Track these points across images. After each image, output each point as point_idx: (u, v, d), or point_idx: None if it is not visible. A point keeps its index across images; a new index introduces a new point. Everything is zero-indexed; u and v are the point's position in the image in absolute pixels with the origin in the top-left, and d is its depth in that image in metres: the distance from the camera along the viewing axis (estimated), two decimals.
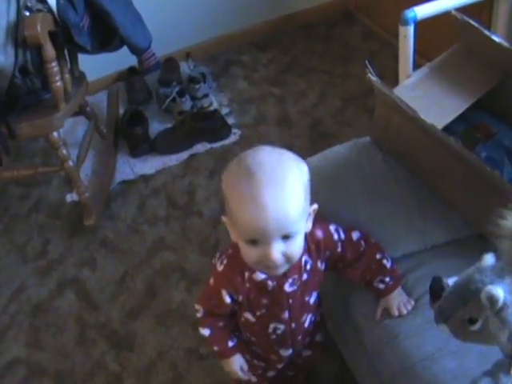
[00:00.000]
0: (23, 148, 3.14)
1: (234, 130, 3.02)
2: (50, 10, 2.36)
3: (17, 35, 2.19)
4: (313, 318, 1.55)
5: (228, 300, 1.43)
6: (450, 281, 1.07)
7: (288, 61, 3.45)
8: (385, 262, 1.48)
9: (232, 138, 2.99)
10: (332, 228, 1.44)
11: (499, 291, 0.97)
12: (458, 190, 1.51)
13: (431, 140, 1.46)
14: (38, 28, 2.15)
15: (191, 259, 2.48)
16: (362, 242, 1.47)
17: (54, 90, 2.32)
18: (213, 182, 2.77)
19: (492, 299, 0.97)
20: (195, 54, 3.44)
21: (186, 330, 2.23)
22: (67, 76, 2.44)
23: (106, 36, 2.53)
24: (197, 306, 1.53)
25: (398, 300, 1.48)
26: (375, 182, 1.61)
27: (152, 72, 3.33)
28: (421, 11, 1.94)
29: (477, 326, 1.01)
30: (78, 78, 2.63)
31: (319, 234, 1.41)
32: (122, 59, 3.11)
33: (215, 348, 1.58)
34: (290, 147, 2.79)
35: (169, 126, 3.07)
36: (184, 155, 2.94)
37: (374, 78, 1.53)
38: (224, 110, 3.14)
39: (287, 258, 1.24)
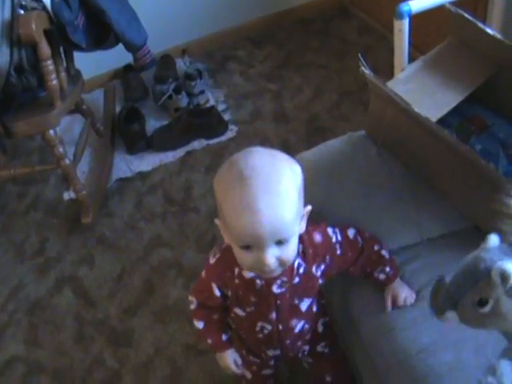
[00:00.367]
0: (20, 146, 3.14)
1: (231, 126, 3.02)
2: (44, 7, 2.36)
3: (12, 34, 2.18)
4: (307, 326, 1.53)
5: (218, 293, 1.44)
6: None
7: (284, 56, 3.45)
8: (383, 252, 1.48)
9: (229, 134, 2.99)
10: (330, 231, 1.42)
11: (511, 267, 0.96)
12: (452, 182, 1.50)
13: (425, 133, 1.46)
14: (33, 26, 2.14)
15: (188, 255, 2.48)
16: (359, 238, 1.46)
17: (50, 88, 2.32)
18: (209, 179, 2.77)
19: (504, 275, 0.96)
20: (191, 51, 3.44)
21: (183, 326, 2.24)
22: (63, 74, 2.44)
23: (101, 34, 2.52)
24: (190, 298, 1.54)
25: (401, 289, 1.48)
26: (370, 176, 1.61)
27: (148, 69, 3.33)
28: (415, 5, 1.93)
29: (488, 308, 1.00)
30: (74, 75, 2.63)
31: (318, 237, 1.39)
32: (117, 57, 3.10)
33: (209, 341, 1.58)
34: (286, 142, 2.86)
35: (165, 122, 3.06)
36: (181, 152, 2.95)
37: (367, 71, 1.53)
38: (220, 106, 3.14)
39: (281, 262, 1.23)
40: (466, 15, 1.67)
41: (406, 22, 1.98)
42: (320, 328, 1.62)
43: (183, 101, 3.08)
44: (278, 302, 1.41)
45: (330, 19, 3.65)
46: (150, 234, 2.60)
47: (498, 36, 1.60)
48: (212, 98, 3.19)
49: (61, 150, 2.45)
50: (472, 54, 1.71)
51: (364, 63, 1.52)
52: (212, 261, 1.43)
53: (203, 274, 1.47)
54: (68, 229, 2.70)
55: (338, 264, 1.44)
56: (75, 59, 2.64)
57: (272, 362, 1.68)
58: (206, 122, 2.94)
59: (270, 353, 1.58)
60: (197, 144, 2.97)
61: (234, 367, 1.62)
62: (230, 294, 1.43)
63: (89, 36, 2.45)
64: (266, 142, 2.89)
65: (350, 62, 3.27)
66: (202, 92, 3.14)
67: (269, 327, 1.47)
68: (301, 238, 1.33)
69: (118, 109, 3.22)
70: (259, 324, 1.47)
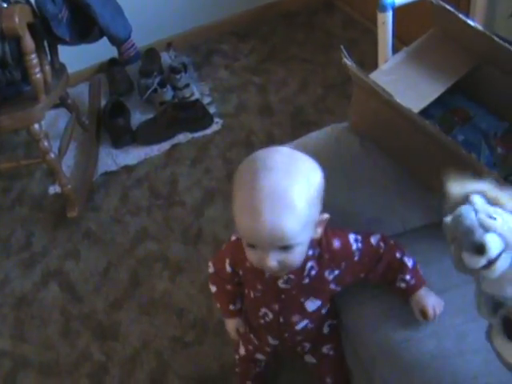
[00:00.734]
0: (5, 141, 3.13)
1: (216, 120, 3.02)
2: (27, 1, 2.36)
3: None
4: (311, 326, 1.53)
5: (229, 269, 1.49)
6: None
7: (269, 49, 3.45)
8: (405, 260, 1.44)
9: (214, 128, 2.99)
10: (351, 238, 1.41)
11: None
12: (435, 173, 1.51)
13: (408, 123, 1.47)
14: (16, 19, 2.13)
15: (174, 248, 2.48)
16: (382, 244, 1.44)
17: (34, 82, 2.31)
18: (195, 172, 2.78)
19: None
20: (176, 44, 3.43)
21: (170, 318, 2.24)
22: (47, 68, 2.43)
23: (86, 27, 2.52)
24: (210, 263, 1.59)
25: (426, 299, 1.41)
26: (353, 167, 1.62)
27: (133, 63, 3.32)
28: None
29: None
30: (58, 69, 2.62)
31: (336, 244, 1.39)
32: (102, 50, 3.10)
33: (218, 305, 1.66)
34: (271, 135, 2.87)
35: (150, 116, 3.06)
36: (166, 145, 2.94)
37: (349, 62, 1.53)
38: (205, 100, 3.14)
39: (284, 265, 1.24)
40: (448, 7, 1.68)
41: (389, 14, 1.99)
42: (326, 329, 1.62)
43: (168, 94, 3.08)
44: (283, 296, 1.42)
45: (315, 12, 3.65)
46: (136, 228, 2.60)
47: (480, 28, 1.61)
48: (197, 92, 3.19)
49: (46, 144, 2.44)
50: (455, 46, 1.71)
51: (346, 55, 1.53)
52: (233, 238, 1.48)
53: (223, 247, 1.52)
54: (54, 223, 2.70)
55: (354, 270, 1.44)
56: (59, 53, 2.63)
57: (268, 349, 1.68)
58: (191, 116, 2.94)
59: (270, 340, 1.60)
60: (182, 137, 2.96)
61: (233, 334, 1.69)
62: (241, 273, 1.47)
63: (73, 29, 2.45)
64: (251, 136, 2.90)
65: (334, 56, 3.27)
66: (187, 85, 3.14)
67: (271, 315, 1.49)
68: (318, 243, 1.33)
69: (103, 103, 3.21)
70: (263, 310, 1.49)
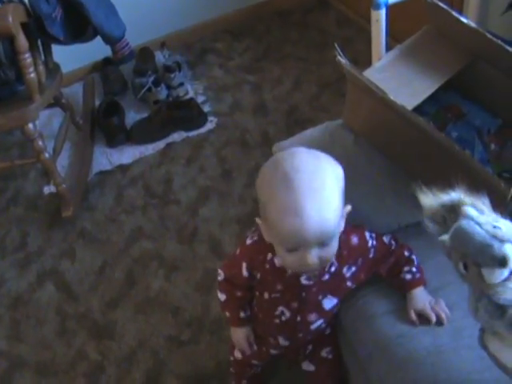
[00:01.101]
0: None
1: (210, 118, 3.02)
2: (21, 0, 2.35)
3: None
4: (323, 326, 1.55)
5: (245, 274, 1.47)
6: None
7: (263, 48, 3.45)
8: (413, 257, 1.48)
9: (208, 126, 2.99)
10: (367, 235, 1.45)
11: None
12: (429, 169, 1.52)
13: (401, 121, 1.47)
14: (10, 19, 2.13)
15: (169, 247, 2.48)
16: (393, 242, 1.49)
17: (28, 82, 2.31)
18: (189, 171, 2.78)
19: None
20: (170, 43, 3.42)
21: (165, 317, 2.25)
22: (41, 67, 2.43)
23: (79, 26, 2.51)
24: (219, 270, 1.57)
25: (426, 300, 1.43)
26: (347, 164, 1.60)
27: (127, 62, 3.32)
28: None
29: None
30: (53, 69, 2.62)
31: (355, 240, 1.42)
32: (96, 50, 3.10)
33: (227, 314, 1.62)
34: (266, 134, 2.87)
35: (145, 115, 3.06)
36: (160, 144, 2.94)
37: (343, 60, 1.54)
38: (200, 99, 3.14)
39: (323, 260, 1.26)
40: (441, 4, 1.68)
41: (382, 12, 1.99)
42: (327, 330, 1.63)
43: (162, 93, 3.08)
44: (304, 294, 1.43)
45: (309, 11, 3.65)
46: (131, 227, 2.60)
47: (473, 25, 1.62)
48: (191, 91, 3.19)
49: (40, 144, 2.44)
50: (448, 43, 1.72)
51: (340, 53, 1.53)
52: (248, 242, 1.46)
53: (237, 251, 1.50)
54: (49, 223, 2.69)
55: (368, 267, 1.46)
56: (54, 52, 2.63)
57: (274, 351, 1.68)
58: (185, 115, 2.94)
59: (280, 341, 1.59)
60: (176, 136, 2.96)
61: (244, 344, 1.64)
62: (258, 276, 1.46)
63: (67, 29, 2.44)
64: (245, 134, 2.90)
65: (329, 54, 3.26)
66: (181, 84, 3.14)
67: (288, 314, 1.49)
68: (338, 238, 1.34)
69: (97, 102, 3.21)
70: (280, 308, 1.49)
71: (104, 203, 2.73)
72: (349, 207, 1.31)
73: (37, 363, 2.21)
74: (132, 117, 3.09)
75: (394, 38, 2.15)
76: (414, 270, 1.46)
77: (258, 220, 1.32)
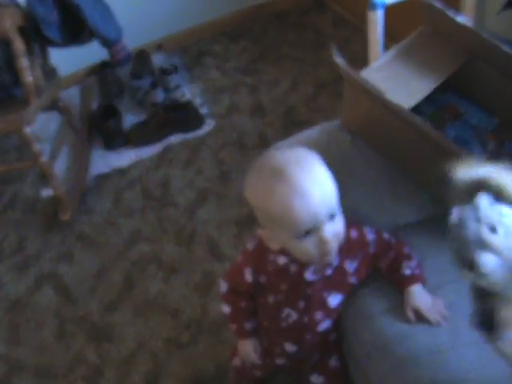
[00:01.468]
0: None
1: (208, 121, 3.03)
2: (17, 4, 2.35)
3: None
4: (329, 327, 1.54)
5: (249, 279, 1.47)
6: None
7: (260, 50, 3.45)
8: (412, 254, 1.49)
9: (205, 129, 2.99)
10: (366, 230, 1.47)
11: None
12: (426, 169, 1.52)
13: (398, 121, 1.47)
14: (6, 23, 2.14)
15: (167, 250, 2.48)
16: (392, 238, 1.49)
17: (25, 85, 2.31)
18: (187, 173, 2.78)
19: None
20: (167, 46, 3.43)
21: (164, 319, 2.24)
22: (38, 71, 2.43)
23: (76, 29, 2.51)
24: (222, 282, 1.57)
25: (424, 298, 1.42)
26: (345, 164, 1.61)
27: (124, 65, 3.31)
28: None
29: None
30: (50, 72, 2.62)
31: (353, 234, 1.43)
32: (93, 53, 3.10)
33: (233, 326, 1.61)
34: (263, 135, 2.87)
35: (142, 118, 3.06)
36: (158, 147, 2.95)
37: (339, 60, 1.54)
38: (197, 101, 3.15)
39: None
40: (437, 4, 1.68)
41: (379, 13, 1.99)
42: (333, 335, 1.62)
43: (159, 96, 3.08)
44: (308, 291, 1.43)
45: (306, 12, 3.66)
46: (129, 230, 2.60)
47: (468, 25, 1.62)
48: (188, 93, 3.20)
49: (38, 147, 2.44)
50: (444, 43, 1.71)
51: (337, 53, 1.53)
52: (250, 247, 1.47)
53: (239, 258, 1.50)
54: (47, 226, 2.69)
55: (369, 261, 1.47)
56: (51, 56, 2.63)
57: (281, 361, 1.66)
58: (182, 117, 2.95)
59: (288, 347, 1.57)
60: (174, 139, 2.97)
61: (253, 355, 1.63)
62: (262, 280, 1.46)
63: (63, 31, 2.45)
64: (243, 136, 2.90)
65: (325, 55, 3.28)
66: (179, 87, 3.14)
67: (294, 316, 1.48)
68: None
69: (94, 105, 3.21)
70: (286, 311, 1.48)
71: (102, 206, 2.73)
72: None
73: (36, 366, 2.20)
74: (129, 120, 3.09)
75: (390, 38, 2.15)
76: (413, 265, 1.47)
77: (259, 232, 1.35)
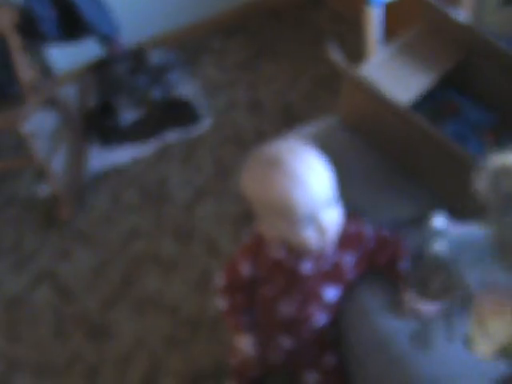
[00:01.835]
0: None
1: (205, 117, 3.02)
2: (15, 1, 2.35)
3: None
4: (327, 323, 1.54)
5: (246, 273, 1.49)
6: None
7: (258, 46, 3.44)
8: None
9: (203, 125, 2.99)
10: (365, 225, 1.47)
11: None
12: (424, 165, 1.52)
13: (396, 117, 1.47)
14: (3, 20, 2.13)
15: (166, 247, 2.48)
16: (391, 234, 1.50)
17: (22, 83, 2.31)
18: (185, 170, 2.78)
19: None
20: (164, 43, 3.42)
21: (162, 317, 2.24)
22: (35, 68, 2.43)
23: (73, 26, 2.51)
24: (219, 276, 1.58)
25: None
26: (343, 160, 1.60)
27: (121, 62, 3.31)
28: None
29: None
30: (46, 69, 2.62)
31: (352, 228, 1.44)
32: (91, 50, 3.09)
33: (230, 321, 1.61)
34: (261, 132, 2.86)
35: (140, 115, 3.05)
36: (156, 144, 2.94)
37: (336, 57, 1.53)
38: (195, 98, 3.14)
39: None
40: (434, 1, 1.68)
41: (377, 9, 1.99)
42: (329, 332, 1.60)
43: (157, 93, 3.07)
44: (305, 284, 1.44)
45: (303, 8, 3.65)
46: (127, 227, 2.60)
47: (464, 22, 1.62)
48: (186, 90, 3.19)
49: (35, 145, 2.44)
50: (442, 39, 1.72)
51: (334, 50, 1.53)
52: (248, 241, 1.49)
53: (237, 252, 1.52)
54: (44, 224, 2.69)
55: (367, 256, 1.48)
56: (48, 53, 2.62)
57: (272, 362, 1.66)
58: (180, 114, 2.94)
59: (283, 342, 1.57)
60: (172, 136, 2.96)
61: (250, 350, 1.62)
62: (259, 273, 1.48)
63: (60, 28, 2.44)
64: (241, 133, 2.90)
65: (323, 50, 3.26)
66: (176, 84, 3.13)
67: (290, 309, 1.49)
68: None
69: (91, 103, 3.20)
70: (282, 304, 1.49)
71: (100, 204, 2.72)
72: None
73: (34, 364, 2.20)
74: (127, 117, 3.08)
75: (388, 34, 2.15)
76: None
77: (260, 229, 1.37)
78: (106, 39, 2.73)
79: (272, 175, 1.25)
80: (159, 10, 3.39)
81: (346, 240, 1.42)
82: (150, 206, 2.67)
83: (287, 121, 2.92)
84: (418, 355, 1.33)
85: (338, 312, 1.55)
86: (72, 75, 3.37)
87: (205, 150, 2.86)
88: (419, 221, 1.52)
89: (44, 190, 2.82)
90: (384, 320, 1.42)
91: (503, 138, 1.61)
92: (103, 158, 2.93)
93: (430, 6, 1.70)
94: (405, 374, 1.33)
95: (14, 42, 2.22)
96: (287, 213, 1.26)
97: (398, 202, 1.57)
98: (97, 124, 3.01)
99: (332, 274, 1.45)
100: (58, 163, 2.85)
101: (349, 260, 1.45)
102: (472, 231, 1.18)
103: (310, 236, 1.30)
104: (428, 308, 1.39)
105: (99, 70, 3.29)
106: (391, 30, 2.23)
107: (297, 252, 1.39)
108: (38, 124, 2.88)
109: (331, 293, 1.48)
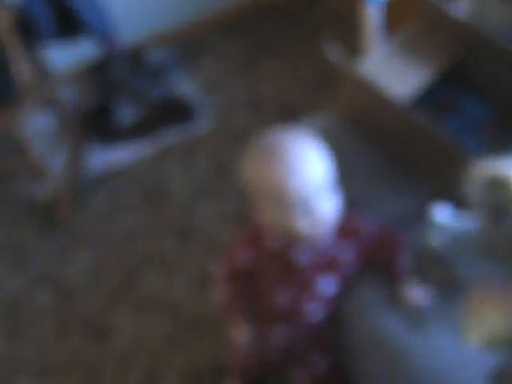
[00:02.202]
0: None
1: (205, 116, 3.01)
2: (13, 2, 2.35)
3: None
4: (324, 318, 1.54)
5: (244, 264, 1.51)
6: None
7: (257, 45, 3.44)
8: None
9: (203, 124, 2.98)
10: (364, 220, 1.49)
11: None
12: (423, 161, 1.52)
13: (394, 113, 1.48)
14: (0, 22, 2.13)
15: (166, 246, 2.48)
16: (390, 230, 1.51)
17: (20, 84, 2.30)
18: (185, 169, 2.77)
19: None
20: (163, 42, 3.42)
21: (163, 316, 2.24)
22: (33, 69, 2.42)
23: (71, 26, 2.51)
24: (218, 269, 1.60)
25: (418, 291, 1.43)
26: (341, 157, 1.60)
27: (120, 62, 3.30)
28: None
29: None
30: (45, 70, 2.61)
31: (350, 223, 1.46)
32: (89, 51, 3.09)
33: (229, 312, 1.61)
34: (261, 130, 2.83)
35: (139, 114, 3.04)
36: (155, 143, 2.93)
37: (335, 55, 1.54)
38: (194, 97, 3.13)
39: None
40: None
41: (374, 7, 1.99)
42: (325, 329, 1.61)
43: (156, 92, 3.07)
44: (301, 275, 1.46)
45: (301, 6, 3.64)
46: (127, 227, 2.60)
47: (464, 18, 1.62)
48: (185, 89, 3.18)
49: (33, 145, 2.44)
50: (441, 36, 1.72)
51: (332, 48, 1.53)
52: (246, 233, 1.52)
53: (236, 243, 1.54)
54: (43, 225, 2.68)
55: (365, 252, 1.49)
56: (47, 54, 2.62)
57: (269, 358, 1.67)
58: (179, 113, 2.94)
59: (280, 334, 1.58)
60: (171, 135, 2.96)
61: (248, 339, 1.61)
62: (257, 265, 1.50)
63: (58, 28, 2.44)
64: (240, 131, 2.90)
65: (322, 49, 3.26)
66: (175, 83, 3.13)
67: (285, 299, 1.50)
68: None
69: (90, 103, 3.20)
70: (278, 294, 1.50)
71: (99, 203, 2.72)
72: None
73: (35, 365, 2.20)
74: (126, 117, 3.08)
75: (386, 31, 2.14)
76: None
77: (260, 219, 1.38)
78: (104, 39, 2.72)
79: (268, 161, 1.29)
80: (158, 8, 3.38)
81: (345, 233, 1.44)
82: (150, 205, 2.66)
83: (287, 119, 2.90)
84: (417, 351, 1.33)
85: (336, 310, 1.55)
86: (71, 76, 3.36)
87: (204, 149, 2.85)
88: (418, 215, 1.53)
89: (43, 191, 2.80)
90: (383, 318, 1.42)
91: (504, 133, 1.61)
92: (103, 158, 2.92)
93: (429, 3, 1.70)
94: (405, 371, 1.33)
95: (12, 44, 2.21)
96: (281, 198, 1.29)
97: (396, 196, 1.58)
98: (96, 124, 3.01)
99: (329, 266, 1.46)
100: (57, 164, 2.85)
101: (347, 254, 1.46)
102: (470, 225, 1.20)
103: (302, 223, 1.32)
104: (425, 299, 1.41)
105: (98, 70, 3.28)
106: (391, 27, 2.23)
107: (293, 242, 1.41)
108: (36, 125, 2.88)
109: (327, 285, 1.49)
